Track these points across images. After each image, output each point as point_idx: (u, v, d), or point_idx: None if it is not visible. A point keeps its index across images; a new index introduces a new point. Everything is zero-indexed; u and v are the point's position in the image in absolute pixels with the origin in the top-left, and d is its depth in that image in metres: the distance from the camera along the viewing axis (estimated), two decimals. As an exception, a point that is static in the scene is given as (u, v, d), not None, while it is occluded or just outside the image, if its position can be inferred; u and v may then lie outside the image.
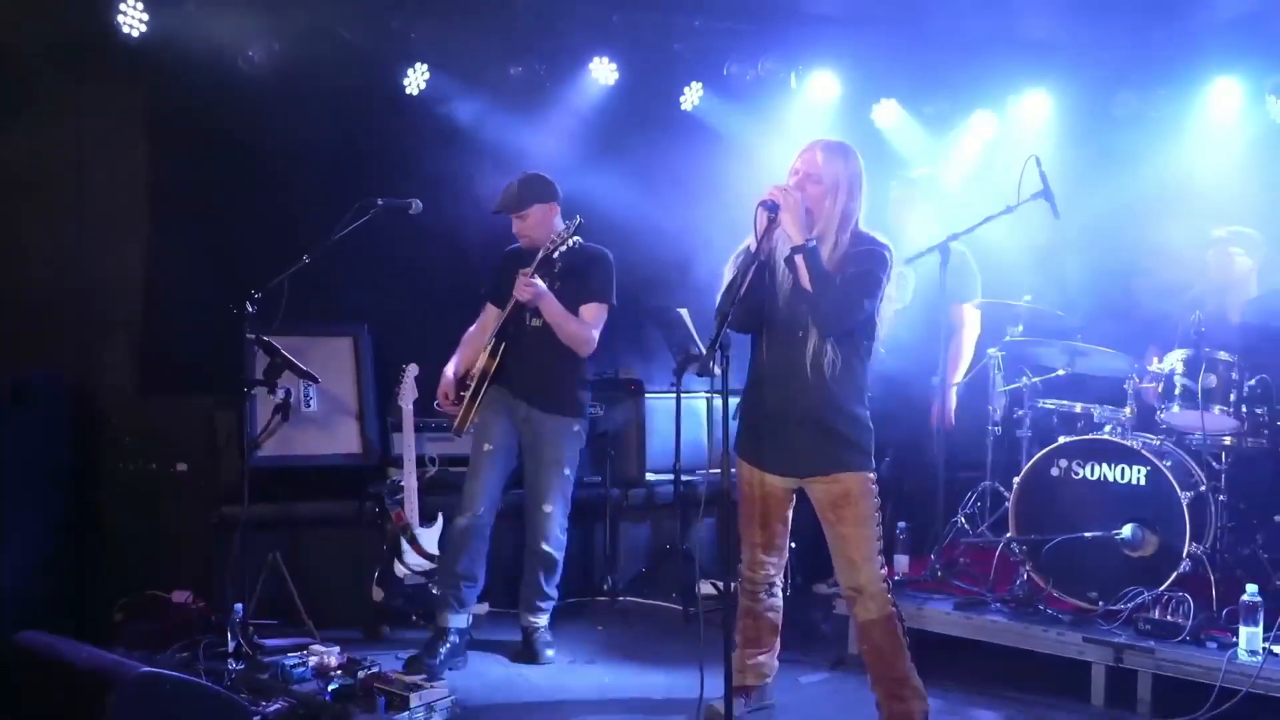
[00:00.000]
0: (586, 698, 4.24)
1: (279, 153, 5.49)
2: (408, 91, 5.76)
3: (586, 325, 4.56)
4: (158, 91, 5.39)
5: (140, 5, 5.07)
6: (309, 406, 5.36)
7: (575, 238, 4.43)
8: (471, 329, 4.84)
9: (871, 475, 3.55)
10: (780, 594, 3.97)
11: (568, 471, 4.60)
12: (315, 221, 5.13)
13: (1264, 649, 3.87)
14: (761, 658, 3.98)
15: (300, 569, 4.95)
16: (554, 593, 4.72)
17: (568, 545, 4.77)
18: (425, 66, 5.73)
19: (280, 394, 4.76)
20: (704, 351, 5.17)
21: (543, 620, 4.70)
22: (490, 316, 4.76)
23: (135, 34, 5.09)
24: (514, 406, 4.62)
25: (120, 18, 5.05)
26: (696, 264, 5.60)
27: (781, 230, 3.40)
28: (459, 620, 4.56)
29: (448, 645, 4.48)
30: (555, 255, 4.43)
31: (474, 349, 4.73)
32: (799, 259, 3.35)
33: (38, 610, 4.49)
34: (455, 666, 4.47)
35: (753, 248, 3.43)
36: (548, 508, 4.57)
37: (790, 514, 3.80)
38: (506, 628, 4.94)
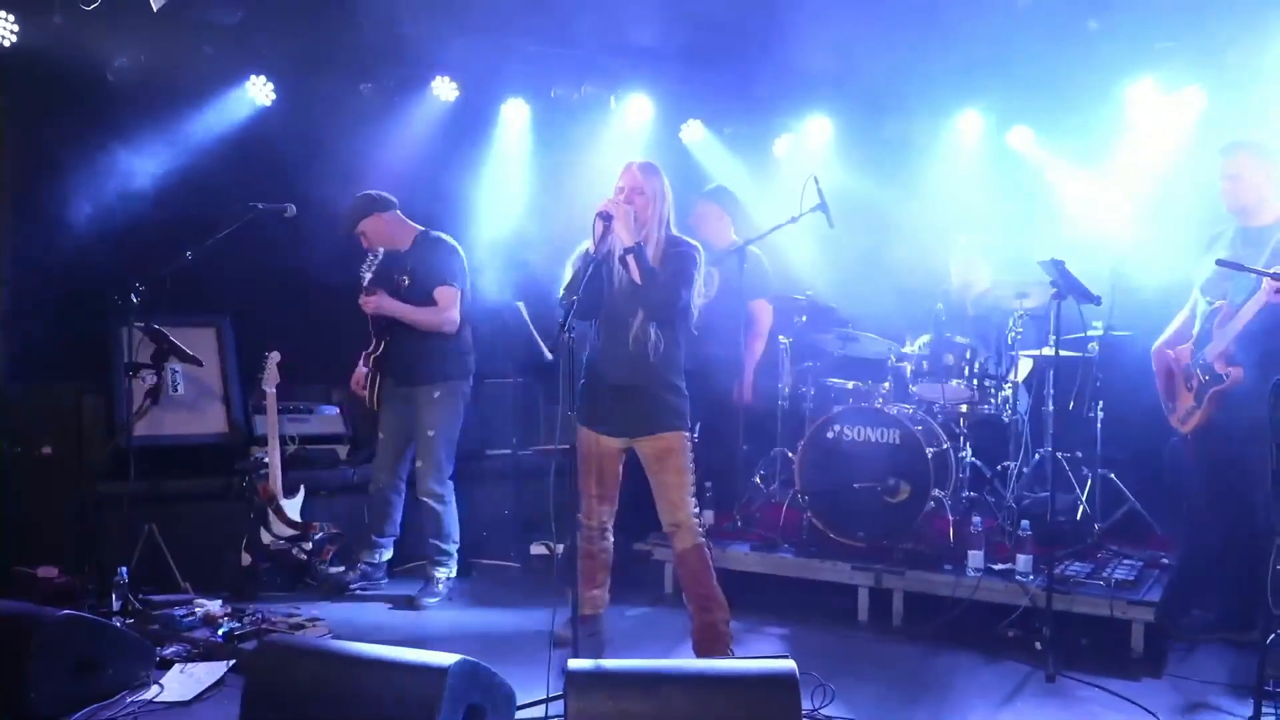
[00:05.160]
0: (450, 634, 4.89)
1: (143, 158, 5.88)
2: (262, 103, 6.23)
3: (439, 310, 5.30)
4: (26, 99, 5.67)
5: (10, 17, 5.35)
6: (177, 390, 5.81)
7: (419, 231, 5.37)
8: None
9: (687, 434, 4.39)
10: (611, 540, 4.77)
11: (431, 433, 5.35)
12: (179, 222, 5.64)
13: (984, 567, 4.96)
14: (596, 592, 4.75)
15: (173, 540, 5.39)
16: (444, 544, 5.43)
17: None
18: (274, 80, 6.19)
19: (151, 378, 5.25)
20: (539, 338, 5.99)
21: (438, 572, 5.42)
22: None
23: (5, 44, 5.37)
24: (398, 393, 5.43)
25: (-9, 28, 5.35)
26: (530, 263, 6.32)
27: (614, 235, 4.18)
28: (368, 555, 5.61)
29: (365, 568, 5.61)
30: (376, 262, 5.26)
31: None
32: (630, 258, 4.15)
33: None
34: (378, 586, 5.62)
35: (591, 250, 4.19)
36: (419, 464, 5.39)
37: (620, 470, 4.60)
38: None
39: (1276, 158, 4.44)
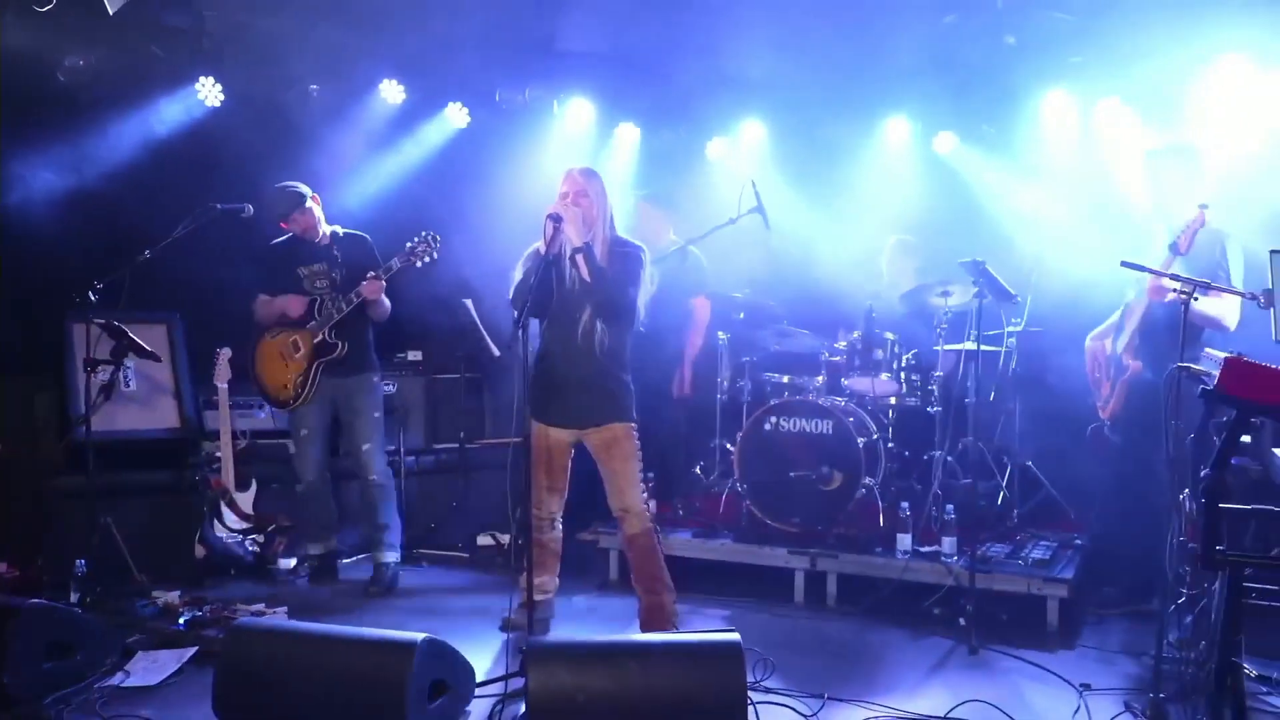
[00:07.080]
0: (403, 621, 5.03)
1: (93, 157, 5.95)
2: (212, 103, 6.33)
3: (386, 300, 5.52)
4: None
5: (-40, 15, 5.42)
6: (129, 386, 5.88)
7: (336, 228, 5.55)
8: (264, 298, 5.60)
9: (634, 424, 4.62)
10: (560, 528, 4.98)
11: (376, 415, 5.56)
12: (127, 221, 5.72)
13: (912, 550, 5.27)
14: (546, 579, 4.96)
15: (126, 533, 5.45)
16: (395, 521, 5.59)
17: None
18: (223, 81, 6.30)
19: (105, 374, 5.33)
20: (486, 336, 6.17)
21: (389, 556, 5.58)
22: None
23: (-45, 42, 5.43)
24: (327, 387, 5.50)
25: (-59, 26, 5.39)
26: (475, 261, 6.48)
27: (564, 236, 4.40)
28: (316, 549, 5.77)
29: (311, 563, 5.76)
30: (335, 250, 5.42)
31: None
32: (580, 257, 4.37)
33: None
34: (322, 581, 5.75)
35: (542, 250, 4.40)
36: (366, 445, 5.52)
37: (569, 462, 4.81)
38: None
39: (1195, 164, 4.80)
